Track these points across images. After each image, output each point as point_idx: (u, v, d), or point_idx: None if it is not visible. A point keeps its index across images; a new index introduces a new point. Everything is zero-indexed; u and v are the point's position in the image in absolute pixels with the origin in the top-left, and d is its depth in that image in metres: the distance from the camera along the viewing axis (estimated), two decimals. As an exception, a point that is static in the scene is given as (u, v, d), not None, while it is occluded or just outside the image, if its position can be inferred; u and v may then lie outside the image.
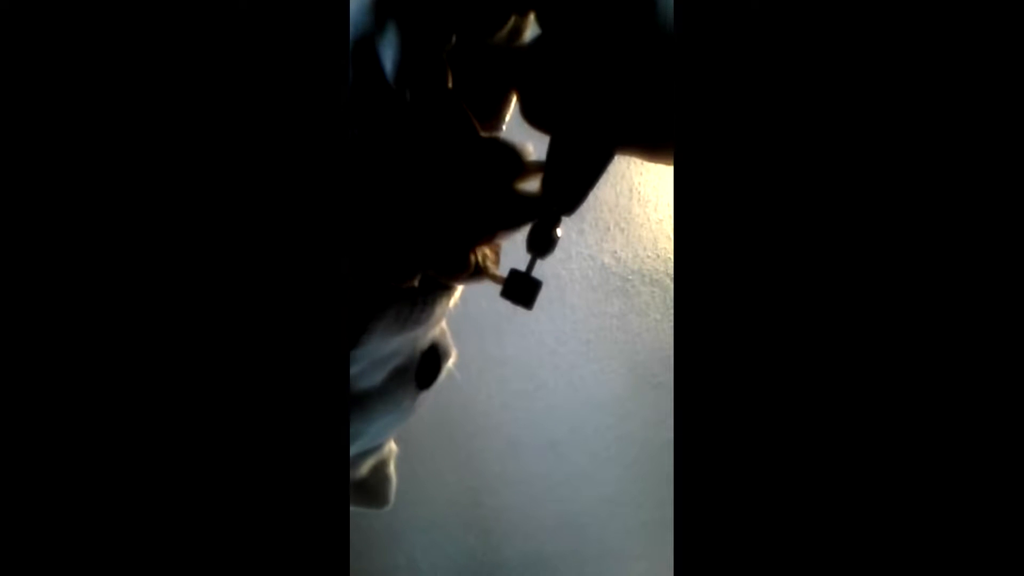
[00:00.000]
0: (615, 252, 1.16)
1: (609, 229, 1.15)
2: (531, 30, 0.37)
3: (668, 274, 1.19)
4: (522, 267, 0.39)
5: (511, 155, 0.37)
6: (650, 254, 1.17)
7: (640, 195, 1.14)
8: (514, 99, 0.39)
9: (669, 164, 0.34)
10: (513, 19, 0.36)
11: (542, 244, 0.37)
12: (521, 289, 0.39)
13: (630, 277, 1.18)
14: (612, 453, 1.29)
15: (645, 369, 1.24)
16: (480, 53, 0.37)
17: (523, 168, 0.37)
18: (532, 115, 0.34)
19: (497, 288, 0.40)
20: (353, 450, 0.42)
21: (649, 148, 0.34)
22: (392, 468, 0.49)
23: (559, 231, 0.37)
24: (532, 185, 0.38)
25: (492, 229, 0.38)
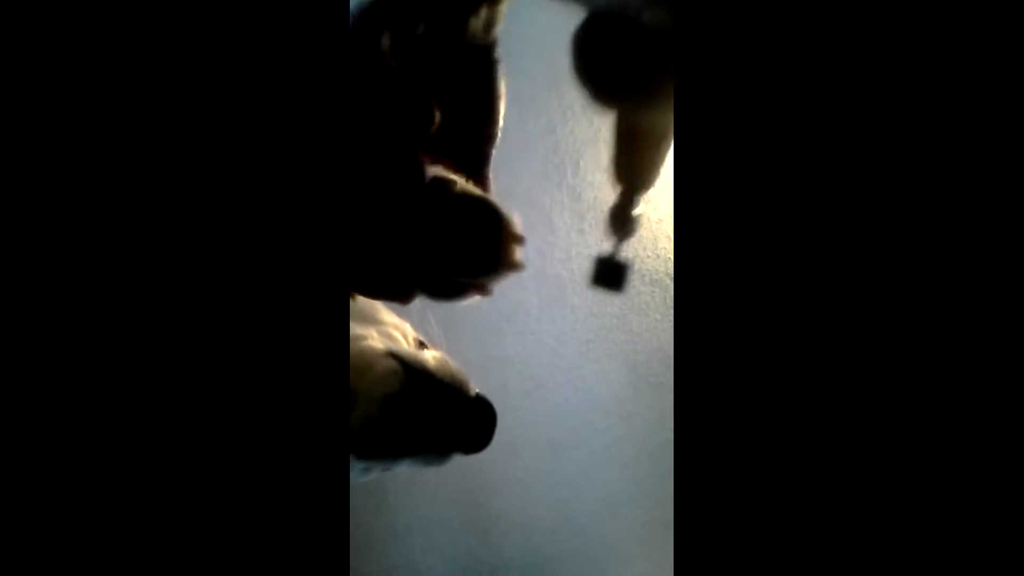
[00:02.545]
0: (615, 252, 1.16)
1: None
2: (503, 21, 0.37)
3: (668, 274, 1.18)
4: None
5: (496, 219, 0.37)
6: (650, 254, 1.17)
7: (640, 195, 1.13)
8: (503, 103, 0.40)
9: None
10: (485, 9, 0.36)
11: (623, 223, 0.37)
12: (610, 274, 0.38)
13: (630, 277, 1.18)
14: (612, 453, 1.29)
15: (645, 369, 1.24)
16: (459, 49, 0.37)
17: (504, 228, 0.38)
18: (603, 93, 0.34)
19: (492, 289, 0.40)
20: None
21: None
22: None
23: (638, 211, 0.37)
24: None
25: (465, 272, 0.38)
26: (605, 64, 0.33)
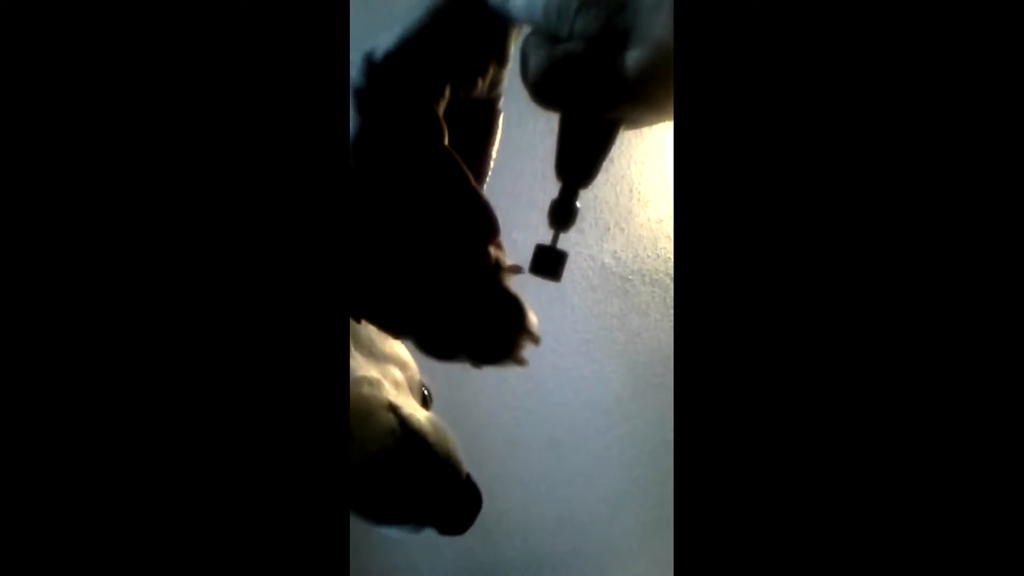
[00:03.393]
0: (615, 252, 1.16)
1: (609, 229, 1.15)
2: (507, 80, 0.38)
3: (668, 274, 1.19)
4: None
5: (488, 222, 0.38)
6: (650, 254, 1.17)
7: (640, 195, 1.13)
8: (496, 146, 0.41)
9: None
10: (492, 68, 0.37)
11: (563, 217, 0.39)
12: (548, 262, 0.40)
13: (630, 277, 1.18)
14: (612, 453, 1.29)
15: (645, 369, 1.24)
16: (463, 105, 0.38)
17: (495, 233, 0.38)
18: (542, 93, 0.35)
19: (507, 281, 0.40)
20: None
21: (659, 111, 0.34)
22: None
23: (578, 204, 0.38)
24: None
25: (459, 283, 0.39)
26: (549, 84, 0.35)
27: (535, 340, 0.40)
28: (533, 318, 0.40)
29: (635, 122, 0.36)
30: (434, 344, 0.39)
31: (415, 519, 0.43)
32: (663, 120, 0.37)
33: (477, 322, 0.38)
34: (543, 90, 0.35)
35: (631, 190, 1.13)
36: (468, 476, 0.45)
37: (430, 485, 0.43)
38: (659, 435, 1.25)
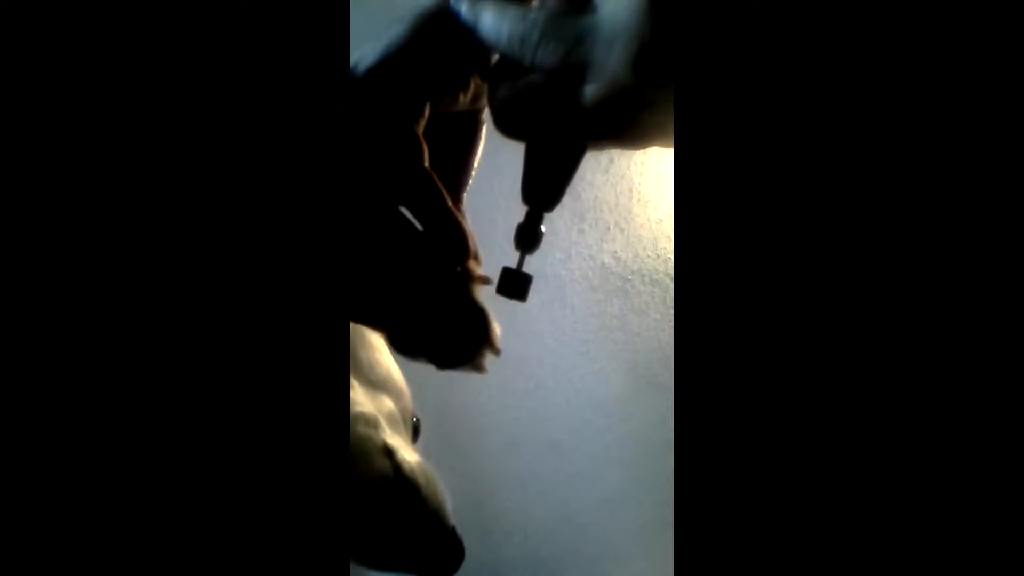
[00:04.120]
0: (615, 252, 1.16)
1: (609, 229, 1.15)
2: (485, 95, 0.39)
3: (668, 274, 1.19)
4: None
5: (462, 245, 0.38)
6: (650, 254, 1.17)
7: (640, 195, 1.13)
8: (479, 156, 0.42)
9: (642, 149, 0.36)
10: (474, 83, 0.37)
11: (528, 240, 0.40)
12: (514, 284, 0.41)
13: (630, 277, 1.18)
14: (612, 453, 1.29)
15: (645, 369, 1.24)
16: (444, 120, 0.38)
17: (467, 256, 0.39)
18: (504, 124, 0.36)
19: (487, 291, 0.42)
20: None
21: (620, 141, 0.35)
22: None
23: (543, 227, 0.40)
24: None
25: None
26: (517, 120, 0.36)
27: (496, 351, 0.41)
28: (496, 329, 0.41)
29: (602, 148, 0.37)
30: (401, 343, 0.40)
31: (398, 566, 0.44)
32: (629, 148, 0.38)
33: (442, 329, 0.39)
34: (505, 120, 0.35)
35: (631, 190, 1.13)
36: (453, 528, 0.46)
37: (417, 534, 0.43)
38: (659, 435, 1.25)
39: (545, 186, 0.38)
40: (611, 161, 1.13)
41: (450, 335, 0.39)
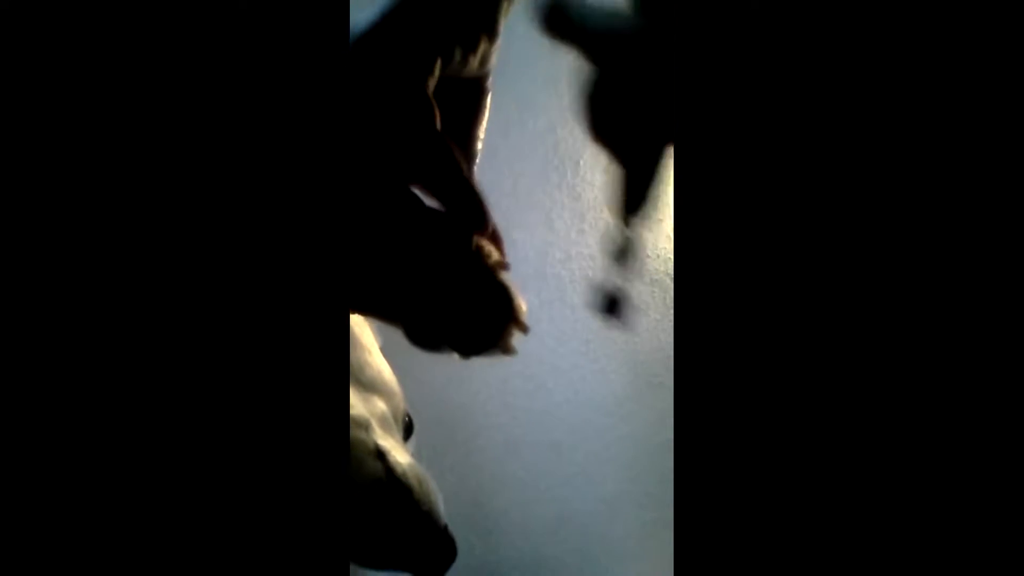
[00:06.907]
0: (615, 252, 1.16)
1: (609, 229, 1.15)
2: (495, 56, 0.38)
3: (668, 274, 1.19)
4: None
5: (480, 213, 0.37)
6: (650, 254, 1.17)
7: (640, 195, 1.13)
8: (484, 126, 0.40)
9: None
10: (483, 45, 0.36)
11: (620, 255, 0.39)
12: (615, 305, 0.40)
13: (630, 277, 1.18)
14: (612, 453, 1.29)
15: (645, 369, 1.24)
16: (453, 83, 0.37)
17: (486, 225, 0.38)
18: (599, 134, 0.35)
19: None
20: None
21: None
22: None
23: (631, 236, 0.39)
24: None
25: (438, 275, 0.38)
26: (610, 120, 0.36)
27: (524, 329, 0.39)
28: (523, 306, 0.39)
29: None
30: (421, 332, 0.38)
31: (391, 564, 0.45)
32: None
33: (464, 310, 0.36)
34: (551, 20, 0.34)
35: (631, 190, 1.13)
36: (445, 527, 0.46)
37: (410, 535, 0.44)
38: (659, 435, 1.25)
39: (631, 192, 0.38)
40: (611, 161, 1.12)
41: (473, 316, 0.37)
